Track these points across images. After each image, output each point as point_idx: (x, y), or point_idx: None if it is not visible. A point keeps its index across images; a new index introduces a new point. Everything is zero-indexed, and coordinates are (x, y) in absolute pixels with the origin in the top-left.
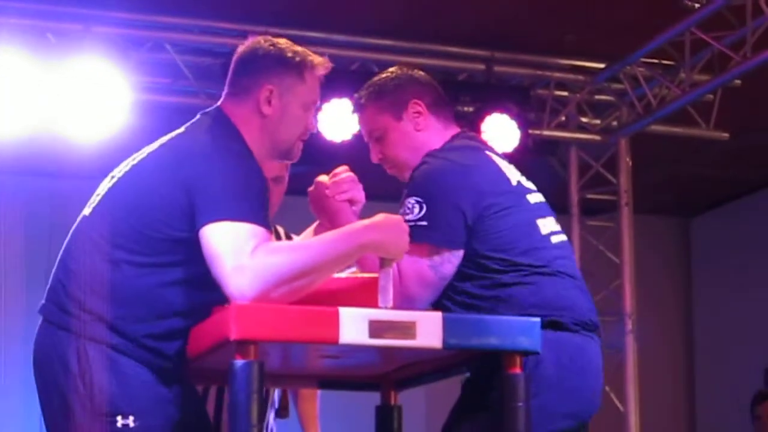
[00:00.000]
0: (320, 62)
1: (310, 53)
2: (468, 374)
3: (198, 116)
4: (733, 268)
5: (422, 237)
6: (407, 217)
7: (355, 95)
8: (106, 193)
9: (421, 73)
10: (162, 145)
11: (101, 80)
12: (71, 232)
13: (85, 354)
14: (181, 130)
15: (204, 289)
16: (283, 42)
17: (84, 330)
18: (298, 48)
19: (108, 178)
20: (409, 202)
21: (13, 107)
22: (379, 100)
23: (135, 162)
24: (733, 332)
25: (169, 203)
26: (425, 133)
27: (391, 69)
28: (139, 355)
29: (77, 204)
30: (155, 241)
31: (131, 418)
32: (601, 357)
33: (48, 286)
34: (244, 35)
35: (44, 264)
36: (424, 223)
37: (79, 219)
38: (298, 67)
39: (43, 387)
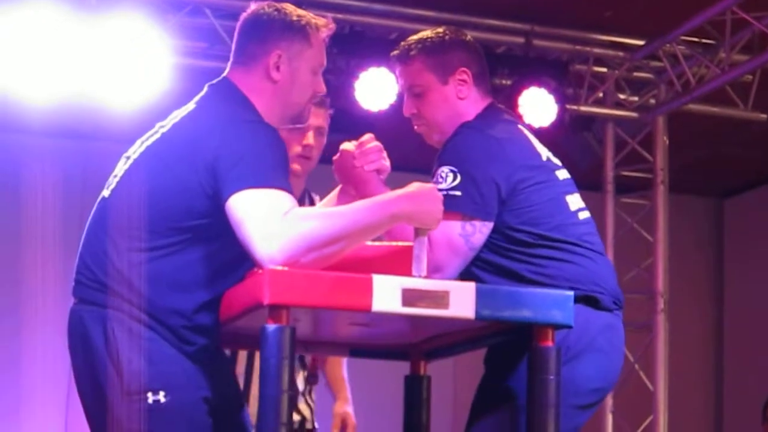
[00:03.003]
0: (324, 24)
1: (314, 16)
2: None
3: (205, 89)
4: (765, 249)
5: (455, 206)
6: (441, 186)
7: (403, 44)
8: (123, 175)
9: (471, 39)
10: (174, 125)
11: (140, 42)
12: (92, 212)
13: (113, 332)
14: (191, 106)
15: (227, 263)
16: (287, 6)
17: (111, 309)
18: (302, 11)
19: (123, 159)
20: (443, 171)
21: (53, 68)
22: (429, 58)
23: (149, 142)
24: (763, 314)
25: (190, 189)
26: (465, 102)
27: (442, 28)
28: (165, 332)
29: (112, 167)
30: (176, 224)
31: (162, 393)
32: (623, 335)
33: (75, 267)
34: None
35: (78, 225)
36: (458, 192)
37: (98, 200)
38: (304, 31)
39: (75, 366)
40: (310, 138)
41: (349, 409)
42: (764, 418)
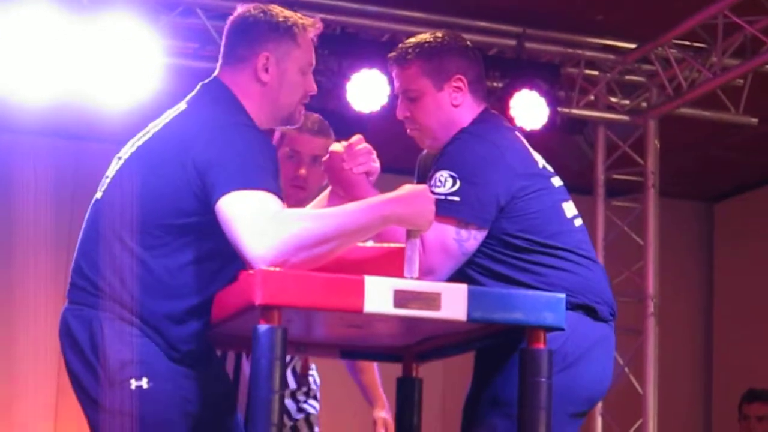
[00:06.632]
0: (311, 24)
1: (301, 16)
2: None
3: (198, 88)
4: (755, 253)
5: (452, 211)
6: (438, 190)
7: (400, 46)
8: (115, 176)
9: (469, 43)
10: (165, 125)
11: (132, 42)
12: (87, 214)
13: (100, 329)
14: (183, 106)
15: (218, 266)
16: (273, 7)
17: (100, 310)
18: (289, 12)
19: (115, 160)
20: (442, 175)
21: (44, 69)
22: (425, 63)
23: (140, 143)
24: (753, 317)
25: (179, 187)
26: (459, 109)
27: (440, 33)
28: (154, 335)
29: (103, 167)
30: (166, 226)
31: (144, 379)
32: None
33: (71, 268)
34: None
35: (68, 224)
36: (456, 198)
37: (92, 202)
38: (291, 31)
39: (66, 364)
40: (303, 169)
41: (387, 415)
42: (740, 416)
